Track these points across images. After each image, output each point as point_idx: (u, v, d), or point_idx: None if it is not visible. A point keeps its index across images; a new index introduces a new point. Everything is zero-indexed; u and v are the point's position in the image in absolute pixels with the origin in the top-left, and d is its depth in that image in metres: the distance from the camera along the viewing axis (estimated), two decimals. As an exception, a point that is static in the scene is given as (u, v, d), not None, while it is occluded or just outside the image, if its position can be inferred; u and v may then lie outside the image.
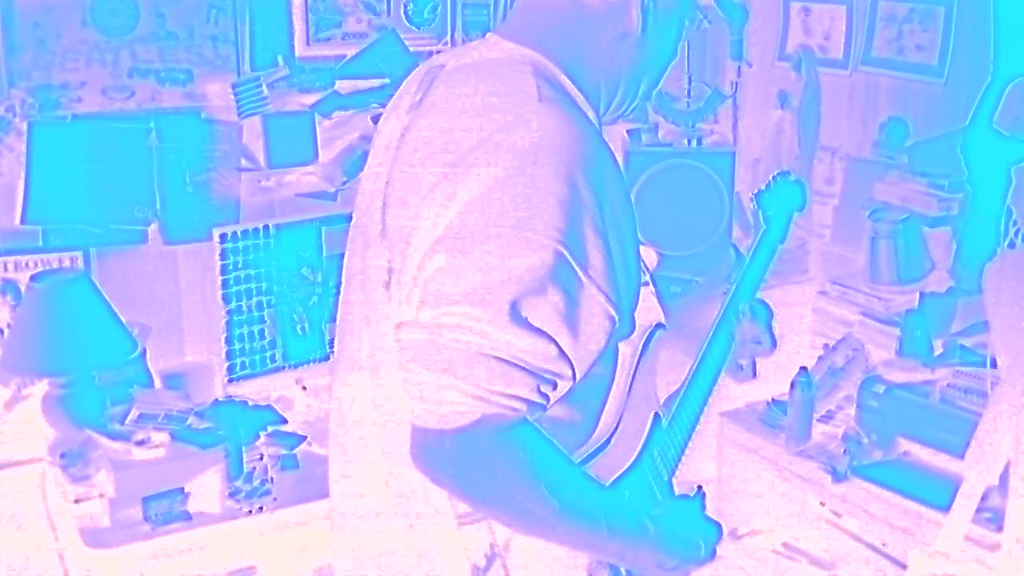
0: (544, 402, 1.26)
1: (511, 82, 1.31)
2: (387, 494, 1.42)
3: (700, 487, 1.51)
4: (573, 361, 1.26)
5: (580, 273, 1.24)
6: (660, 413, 1.50)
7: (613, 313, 1.29)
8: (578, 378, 1.29)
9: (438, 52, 3.00)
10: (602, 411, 1.41)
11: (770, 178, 1.75)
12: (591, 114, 1.38)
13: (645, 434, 1.46)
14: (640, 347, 1.42)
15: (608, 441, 1.42)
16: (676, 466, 1.53)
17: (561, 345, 1.24)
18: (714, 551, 1.44)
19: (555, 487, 1.26)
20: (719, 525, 1.46)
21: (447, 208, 1.25)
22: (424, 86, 1.42)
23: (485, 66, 1.37)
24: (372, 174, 1.45)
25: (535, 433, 1.26)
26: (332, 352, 2.72)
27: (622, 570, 1.44)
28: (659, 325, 1.45)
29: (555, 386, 1.26)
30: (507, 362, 1.21)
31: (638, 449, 1.45)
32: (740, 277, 1.65)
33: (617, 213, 1.30)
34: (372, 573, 1.49)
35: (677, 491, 1.52)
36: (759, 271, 1.68)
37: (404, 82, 1.50)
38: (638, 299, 1.39)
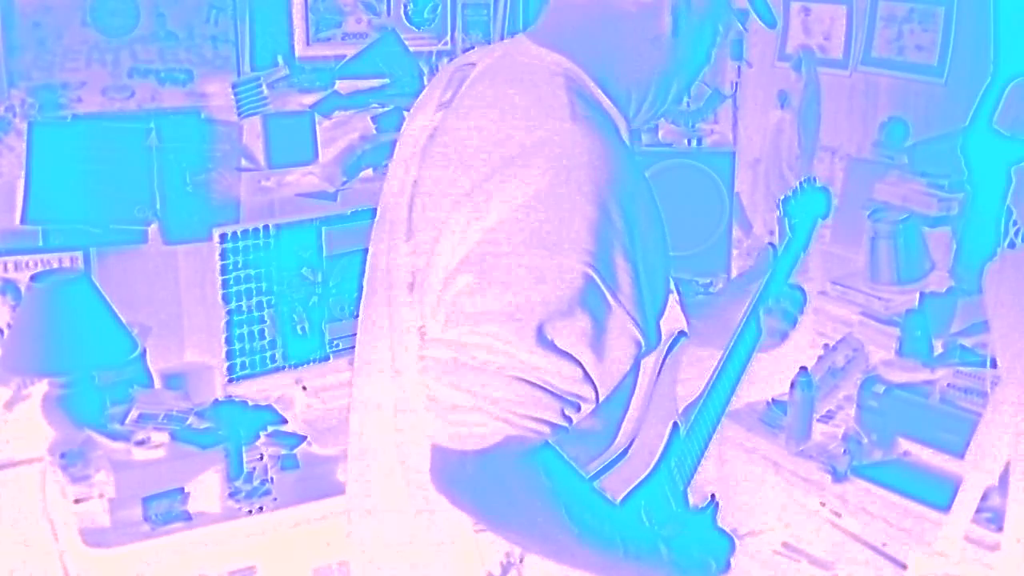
0: (567, 425, 1.25)
1: (544, 96, 1.30)
2: (404, 498, 1.41)
3: (713, 496, 1.51)
4: (596, 384, 1.26)
5: (609, 297, 1.23)
6: (679, 422, 1.50)
7: (639, 337, 1.28)
8: (600, 400, 1.28)
9: (438, 52, 3.03)
10: (623, 420, 1.40)
11: (796, 184, 1.74)
12: (621, 122, 1.38)
13: (663, 444, 1.45)
14: (663, 356, 1.42)
15: (627, 450, 1.42)
16: (692, 476, 1.52)
17: (586, 368, 1.23)
18: (728, 564, 1.45)
19: (575, 512, 1.26)
20: (731, 539, 1.47)
21: (475, 224, 1.25)
22: (454, 85, 1.41)
23: (517, 73, 1.36)
24: (399, 173, 1.44)
25: (557, 457, 1.26)
26: (332, 352, 2.73)
27: None
28: (681, 333, 1.45)
29: (578, 408, 1.26)
30: (532, 384, 1.21)
31: (655, 459, 1.44)
32: (763, 283, 1.64)
33: (647, 233, 1.29)
34: None
35: (691, 500, 1.52)
36: (782, 277, 1.67)
37: (433, 80, 1.50)
38: (664, 311, 1.39)
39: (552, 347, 1.21)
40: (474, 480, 1.23)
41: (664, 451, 1.45)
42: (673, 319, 1.43)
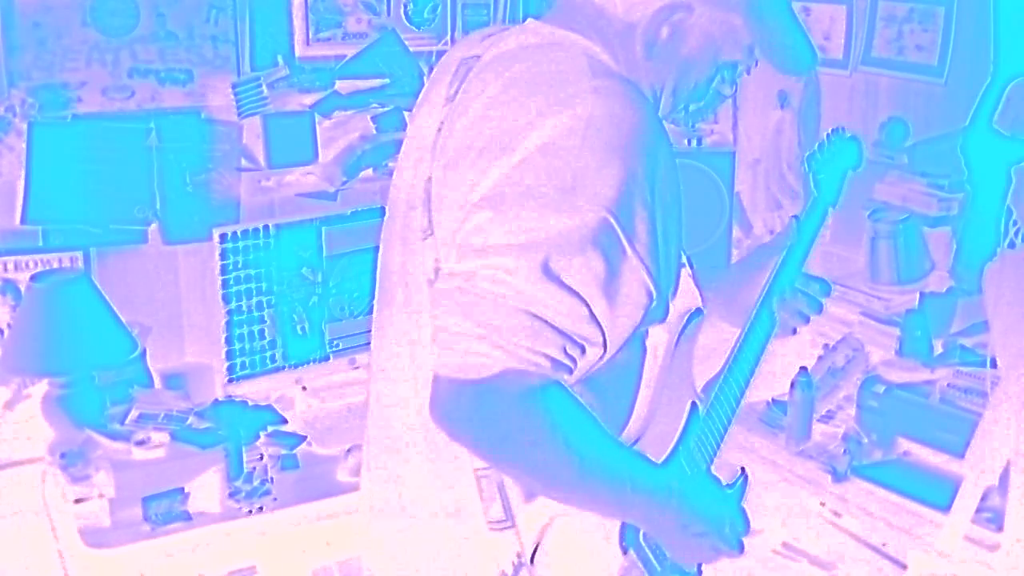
0: (570, 364, 1.24)
1: (562, 60, 1.31)
2: (420, 497, 1.42)
3: (743, 469, 1.49)
4: (605, 329, 1.25)
5: (625, 243, 1.24)
6: (697, 401, 1.48)
7: (652, 288, 1.28)
8: (609, 349, 1.28)
9: (438, 52, 3.02)
10: (635, 398, 1.40)
11: (823, 137, 1.64)
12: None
13: (682, 424, 1.44)
14: (678, 333, 1.41)
15: (644, 431, 1.42)
16: (715, 455, 1.49)
17: (594, 309, 1.23)
18: (741, 545, 1.42)
19: (575, 444, 1.25)
20: (747, 519, 1.45)
21: (492, 174, 1.25)
22: (459, 78, 1.41)
23: (530, 50, 1.36)
24: (408, 169, 1.44)
25: (559, 391, 1.25)
26: (332, 352, 2.73)
27: (656, 566, 1.43)
28: (697, 310, 1.44)
29: (583, 350, 1.25)
30: (536, 317, 1.21)
31: (675, 439, 1.43)
32: (790, 246, 1.56)
33: (666, 191, 1.30)
34: (400, 573, 1.50)
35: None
36: (809, 238, 1.58)
37: (433, 74, 1.50)
38: (678, 283, 1.39)
39: (558, 282, 1.21)
40: (471, 409, 1.22)
41: (683, 432, 1.44)
42: (688, 296, 1.43)
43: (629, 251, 1.24)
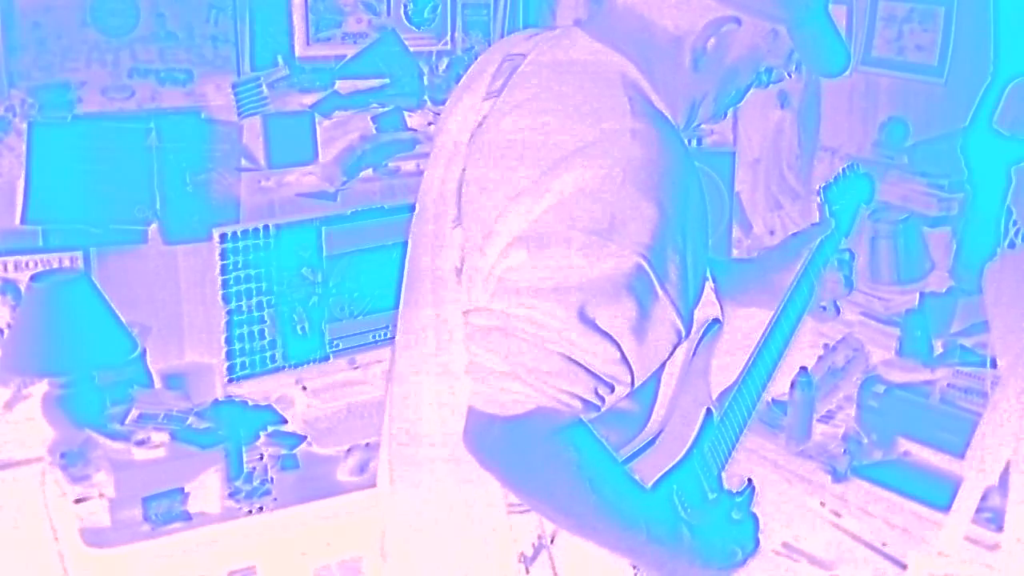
0: (599, 403, 1.28)
1: (605, 93, 1.33)
2: (443, 485, 1.44)
3: (751, 480, 1.52)
4: (633, 368, 1.28)
5: (657, 286, 1.27)
6: (712, 408, 1.51)
7: (681, 328, 1.32)
8: (636, 384, 1.31)
9: (438, 52, 3.03)
10: (655, 402, 1.43)
11: (839, 171, 1.73)
12: (672, 120, 1.40)
13: (696, 430, 1.48)
14: (695, 342, 1.44)
15: (659, 435, 1.44)
16: (727, 460, 1.54)
17: (625, 352, 1.26)
18: (756, 545, 1.45)
19: (599, 488, 1.29)
20: (756, 520, 1.47)
21: (533, 208, 1.27)
22: (503, 75, 1.43)
23: (577, 69, 1.38)
24: (441, 164, 1.46)
25: (586, 432, 1.28)
26: (332, 352, 2.73)
27: None
28: (715, 321, 1.47)
29: (612, 389, 1.28)
30: (570, 360, 1.24)
31: (688, 445, 1.46)
32: (800, 271, 1.63)
33: (695, 227, 1.32)
34: (420, 555, 1.51)
35: (726, 485, 1.54)
36: (820, 266, 1.66)
37: (473, 67, 1.52)
38: (700, 300, 1.41)
39: (593, 327, 1.23)
40: (503, 445, 1.26)
41: (696, 437, 1.48)
42: (708, 306, 1.45)
43: (661, 293, 1.27)
